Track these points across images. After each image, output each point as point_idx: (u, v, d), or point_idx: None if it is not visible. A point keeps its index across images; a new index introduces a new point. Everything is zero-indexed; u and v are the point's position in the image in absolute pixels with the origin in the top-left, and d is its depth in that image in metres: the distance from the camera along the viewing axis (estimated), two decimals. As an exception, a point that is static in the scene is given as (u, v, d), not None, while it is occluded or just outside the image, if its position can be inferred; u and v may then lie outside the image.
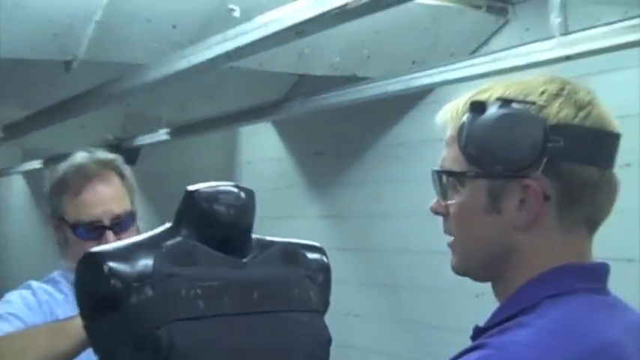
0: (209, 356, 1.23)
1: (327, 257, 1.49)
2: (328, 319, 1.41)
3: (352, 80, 4.53)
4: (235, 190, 1.38)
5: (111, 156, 2.06)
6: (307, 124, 5.74)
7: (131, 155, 7.14)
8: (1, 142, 6.73)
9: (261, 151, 6.61)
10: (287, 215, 6.21)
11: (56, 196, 2.00)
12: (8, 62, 4.38)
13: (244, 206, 1.37)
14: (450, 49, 4.31)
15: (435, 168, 1.18)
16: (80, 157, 2.03)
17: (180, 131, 6.50)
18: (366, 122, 5.15)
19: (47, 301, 1.93)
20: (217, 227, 1.34)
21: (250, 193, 1.38)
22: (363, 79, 4.48)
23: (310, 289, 1.38)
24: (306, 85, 5.15)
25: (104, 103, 4.83)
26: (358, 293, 5.30)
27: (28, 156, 10.08)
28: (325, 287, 1.46)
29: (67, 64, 4.20)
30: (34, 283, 2.02)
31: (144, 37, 4.04)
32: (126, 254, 1.29)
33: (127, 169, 2.07)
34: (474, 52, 4.30)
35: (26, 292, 1.98)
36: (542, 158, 1.08)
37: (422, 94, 4.58)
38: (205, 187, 1.38)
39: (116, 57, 4.23)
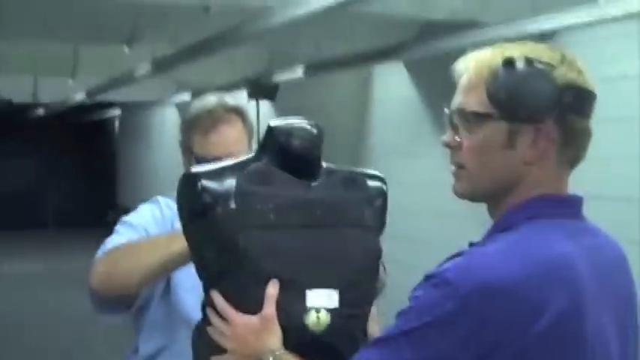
0: (275, 258, 1.54)
1: (385, 184, 1.75)
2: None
3: (473, 25, 4.69)
4: (307, 126, 1.66)
5: (237, 101, 2.33)
6: (435, 65, 5.93)
7: (270, 91, 7.54)
8: (153, 75, 7.23)
9: (393, 90, 6.84)
10: (415, 152, 6.46)
11: (188, 130, 2.27)
12: (156, 5, 4.82)
13: (314, 140, 1.65)
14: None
15: (454, 107, 1.43)
16: (211, 99, 2.29)
17: (315, 69, 6.81)
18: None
19: (169, 215, 2.27)
20: (291, 156, 1.63)
21: (320, 129, 1.66)
22: (484, 24, 4.63)
23: (366, 210, 1.66)
24: (432, 28, 5.33)
25: (240, 43, 5.18)
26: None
27: (180, 88, 10.64)
28: (382, 210, 1.73)
29: (205, 7, 4.59)
30: (161, 199, 2.37)
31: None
32: (216, 174, 1.61)
33: (249, 114, 2.33)
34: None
35: (154, 206, 2.34)
36: (555, 109, 1.34)
37: (542, 39, 4.69)
38: (283, 123, 1.67)
39: (252, 1, 4.57)
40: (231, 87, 8.60)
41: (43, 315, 9.09)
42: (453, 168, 1.45)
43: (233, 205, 1.55)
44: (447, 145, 1.45)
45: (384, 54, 5.91)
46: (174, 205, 2.19)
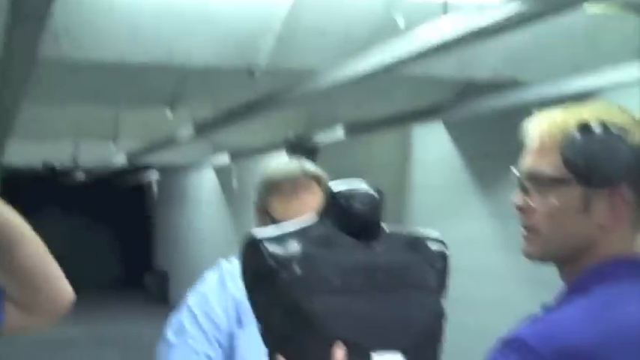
0: (341, 322, 1.53)
1: (447, 247, 1.75)
2: (493, 317, 1.65)
3: (514, 84, 4.70)
4: (369, 189, 1.67)
5: (313, 167, 2.35)
6: (476, 125, 5.94)
7: (310, 152, 7.57)
8: (194, 138, 7.31)
9: (433, 150, 6.85)
10: (455, 212, 6.43)
11: (266, 192, 2.29)
12: (199, 69, 4.89)
13: (376, 203, 1.65)
14: (611, 55, 4.40)
15: (526, 169, 1.43)
16: (292, 164, 2.32)
17: (355, 129, 6.84)
18: (531, 124, 5.29)
19: (230, 284, 2.28)
20: (353, 220, 1.64)
21: (381, 192, 1.67)
22: (524, 84, 4.64)
23: (428, 273, 1.66)
24: (473, 88, 5.34)
25: (283, 106, 5.23)
26: (524, 292, 5.44)
27: (217, 150, 10.73)
28: (444, 272, 1.72)
29: (250, 71, 4.64)
30: (224, 263, 2.39)
31: (319, 46, 4.40)
32: (280, 238, 1.62)
33: (326, 180, 2.35)
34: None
35: (216, 274, 2.37)
36: (632, 174, 1.33)
37: (584, 98, 4.68)
38: (344, 187, 1.68)
39: (294, 64, 4.62)
40: (270, 148, 8.67)
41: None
42: (523, 230, 1.44)
43: (298, 270, 1.56)
44: (519, 208, 1.44)
45: (424, 114, 5.93)
46: (235, 268, 2.20)
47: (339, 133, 6.97)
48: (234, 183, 11.38)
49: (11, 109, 5.37)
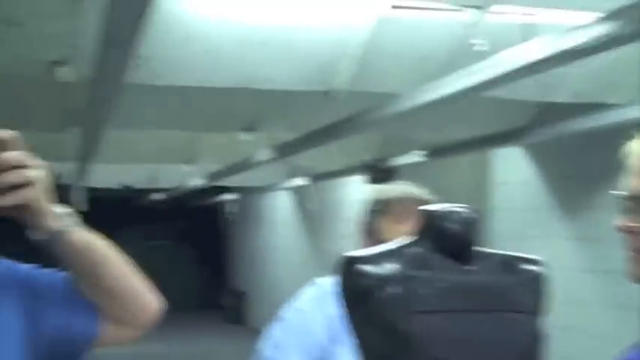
0: (440, 343, 1.53)
1: (543, 268, 1.73)
2: (578, 343, 1.64)
3: (595, 107, 4.62)
4: (464, 210, 1.67)
5: (425, 192, 2.37)
6: (557, 148, 5.85)
7: (388, 176, 7.55)
8: (272, 161, 7.37)
9: (513, 173, 6.76)
10: (536, 235, 6.32)
11: (375, 212, 2.32)
12: (279, 93, 4.93)
13: (471, 223, 1.65)
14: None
15: (631, 192, 1.40)
16: (406, 189, 2.35)
17: (434, 152, 6.80)
18: (615, 146, 5.19)
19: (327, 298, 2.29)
20: (449, 240, 1.64)
21: (476, 213, 1.66)
22: (606, 106, 4.55)
23: (524, 295, 1.64)
24: (552, 110, 5.27)
25: (362, 130, 5.24)
26: (607, 316, 5.32)
27: (293, 173, 10.79)
28: (540, 294, 1.70)
29: (327, 94, 4.67)
30: (319, 281, 2.40)
31: (397, 69, 4.40)
32: (376, 258, 1.63)
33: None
34: None
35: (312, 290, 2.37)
36: None
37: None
38: (439, 208, 1.68)
39: (373, 88, 4.62)
40: (347, 172, 8.68)
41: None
42: (631, 253, 1.41)
43: (394, 290, 1.57)
44: (624, 230, 1.41)
45: (504, 137, 5.86)
46: (330, 286, 2.20)
47: (416, 155, 6.94)
48: (311, 204, 11.42)
49: (96, 133, 5.50)
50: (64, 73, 4.24)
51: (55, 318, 1.52)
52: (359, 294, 1.60)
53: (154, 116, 6.31)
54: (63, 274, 1.55)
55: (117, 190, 12.83)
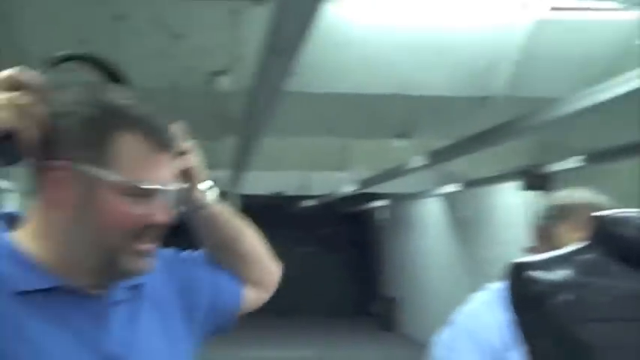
0: (614, 352, 1.47)
1: None
2: None
3: None
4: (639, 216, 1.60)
5: (603, 199, 2.31)
6: None
7: (542, 182, 7.37)
8: (424, 167, 7.33)
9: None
10: None
11: (556, 218, 2.29)
12: (433, 99, 4.91)
13: None
14: None
15: None
16: (583, 194, 2.31)
17: (594, 158, 6.57)
18: None
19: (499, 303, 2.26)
20: (623, 246, 1.57)
21: None
22: None
23: None
24: None
25: (518, 135, 5.13)
26: None
27: (444, 180, 10.69)
28: None
29: (483, 100, 4.60)
30: (491, 286, 2.37)
31: (557, 73, 4.28)
32: (548, 264, 1.58)
33: None
34: None
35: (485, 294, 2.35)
36: None
37: None
38: (614, 214, 1.62)
39: (531, 92, 4.52)
40: (501, 178, 8.53)
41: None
42: None
43: (567, 297, 1.51)
44: None
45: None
46: (501, 292, 2.16)
47: (574, 161, 6.72)
48: (464, 211, 11.29)
49: (252, 141, 5.62)
50: (224, 83, 4.36)
51: (206, 292, 1.66)
52: (530, 301, 1.56)
53: (307, 123, 6.40)
54: (199, 252, 1.72)
55: (269, 197, 13.08)
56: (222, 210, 1.68)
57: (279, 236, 14.89)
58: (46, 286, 1.37)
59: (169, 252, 1.67)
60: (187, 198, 1.58)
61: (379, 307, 15.88)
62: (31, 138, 1.31)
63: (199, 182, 1.61)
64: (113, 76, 1.46)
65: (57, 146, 1.35)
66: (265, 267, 1.78)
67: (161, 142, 1.38)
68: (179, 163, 1.51)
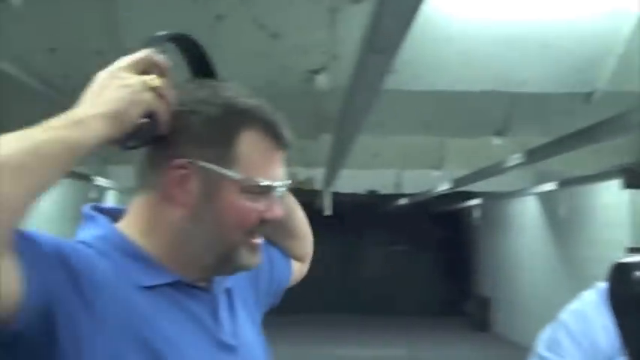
0: None
1: None
2: None
3: None
4: None
5: None
6: None
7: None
8: (521, 165, 7.20)
9: None
10: None
11: None
12: (533, 96, 4.80)
13: None
14: None
15: None
16: None
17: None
18: None
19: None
20: None
21: None
22: None
23: None
24: None
25: (622, 132, 4.98)
26: None
27: (541, 178, 10.50)
28: None
29: (587, 95, 4.47)
30: (600, 285, 2.29)
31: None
32: None
33: None
34: None
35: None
36: None
37: None
38: None
39: (636, 87, 4.38)
40: (600, 176, 8.32)
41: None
42: None
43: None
44: None
45: None
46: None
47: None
48: (561, 210, 11.06)
49: (347, 140, 5.61)
50: (321, 82, 4.37)
51: (265, 272, 1.69)
52: (633, 302, 1.51)
53: (404, 121, 6.36)
54: None
55: (362, 195, 13.08)
56: None
57: (372, 234, 15.08)
58: (168, 280, 1.41)
59: None
60: None
61: (472, 307, 15.71)
62: (166, 122, 1.34)
63: None
64: (203, 62, 1.47)
65: (180, 143, 1.37)
66: (309, 243, 1.85)
67: (279, 141, 1.41)
68: None
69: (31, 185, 1.15)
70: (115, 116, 1.26)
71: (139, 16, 4.05)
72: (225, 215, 1.40)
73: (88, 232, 1.41)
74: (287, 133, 1.42)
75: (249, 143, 1.39)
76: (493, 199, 13.91)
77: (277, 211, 1.42)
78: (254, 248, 1.44)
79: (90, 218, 1.43)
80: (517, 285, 13.57)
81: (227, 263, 1.44)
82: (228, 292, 1.54)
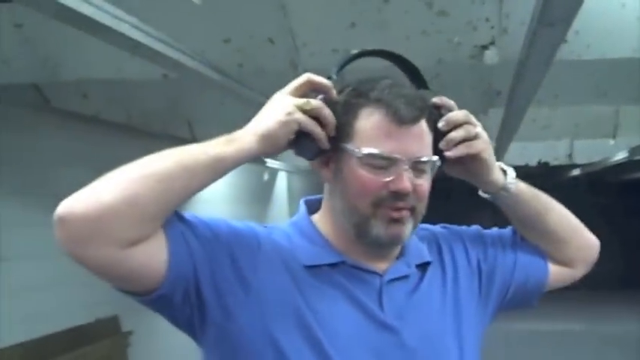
0: None
1: None
2: None
3: None
4: None
5: None
6: None
7: None
8: None
9: None
10: None
11: None
12: None
13: None
14: None
15: None
16: None
17: None
18: None
19: None
20: None
21: None
22: None
23: None
24: None
25: None
26: None
27: None
28: None
29: None
30: None
31: None
32: None
33: None
34: None
35: None
36: None
37: None
38: None
39: None
40: None
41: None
42: None
43: None
44: None
45: None
46: None
47: None
48: None
49: (519, 112, 5.53)
50: (490, 56, 4.32)
51: (504, 268, 1.74)
52: None
53: (575, 91, 6.19)
54: (509, 228, 1.80)
55: (533, 168, 12.81)
56: (524, 189, 1.72)
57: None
58: (331, 261, 1.55)
59: (473, 229, 1.81)
60: (480, 178, 1.65)
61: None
62: (322, 136, 1.48)
63: (491, 157, 1.63)
64: (412, 72, 1.62)
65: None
66: (574, 246, 1.79)
67: (399, 117, 1.48)
68: (462, 150, 1.57)
69: (172, 190, 1.36)
70: (264, 135, 1.43)
71: (307, 2, 4.14)
72: (349, 185, 1.52)
73: (290, 220, 1.64)
74: (407, 111, 1.48)
75: (365, 120, 1.50)
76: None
77: (403, 184, 1.48)
78: (387, 220, 1.51)
79: (298, 208, 1.66)
80: None
81: (364, 234, 1.53)
82: (419, 276, 1.63)
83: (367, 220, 1.51)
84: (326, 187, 1.61)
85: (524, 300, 1.79)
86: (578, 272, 1.83)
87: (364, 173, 1.49)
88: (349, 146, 1.50)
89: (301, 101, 1.46)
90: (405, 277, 1.60)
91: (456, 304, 1.65)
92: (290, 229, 1.61)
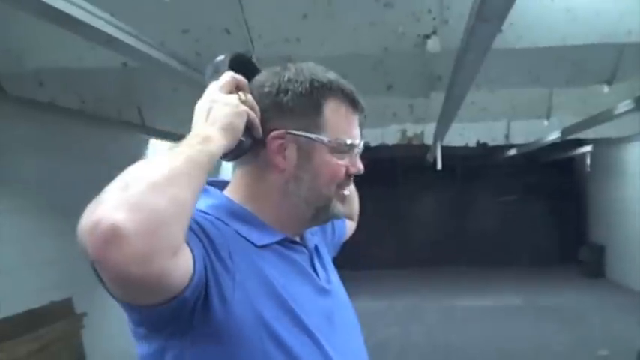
0: None
1: None
2: None
3: None
4: None
5: None
6: None
7: None
8: (631, 112, 7.25)
9: None
10: None
11: None
12: (637, 46, 4.92)
13: None
14: None
15: None
16: None
17: None
18: None
19: None
20: None
21: None
22: None
23: None
24: None
25: None
26: None
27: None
28: None
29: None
30: None
31: None
32: None
33: None
34: None
35: None
36: None
37: None
38: None
39: None
40: None
41: (523, 345, 9.45)
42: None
43: None
44: None
45: None
46: None
47: None
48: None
49: (459, 97, 5.83)
50: (433, 45, 4.61)
51: (329, 226, 2.01)
52: None
53: (511, 77, 6.51)
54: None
55: (470, 149, 13.15)
56: None
57: (482, 186, 15.13)
58: (278, 238, 1.63)
59: None
60: None
61: (586, 254, 15.66)
62: (259, 126, 1.58)
63: None
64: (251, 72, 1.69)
65: (275, 119, 1.60)
66: (357, 203, 2.25)
67: (356, 105, 1.65)
68: None
69: (196, 188, 1.37)
70: (228, 129, 1.48)
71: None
72: (319, 173, 1.62)
73: (203, 203, 1.59)
74: (360, 99, 1.66)
75: (332, 110, 1.62)
76: (603, 146, 13.81)
77: (360, 166, 1.67)
78: (344, 199, 1.70)
79: (203, 191, 1.53)
80: (630, 232, 13.48)
81: (323, 214, 1.68)
82: (316, 245, 1.80)
83: (330, 201, 1.65)
84: (262, 174, 1.64)
85: (334, 253, 2.07)
86: (355, 225, 2.32)
87: (334, 161, 1.62)
88: (322, 137, 1.60)
89: (240, 94, 1.55)
90: (315, 246, 1.79)
91: (331, 265, 1.88)
92: (217, 213, 1.59)
